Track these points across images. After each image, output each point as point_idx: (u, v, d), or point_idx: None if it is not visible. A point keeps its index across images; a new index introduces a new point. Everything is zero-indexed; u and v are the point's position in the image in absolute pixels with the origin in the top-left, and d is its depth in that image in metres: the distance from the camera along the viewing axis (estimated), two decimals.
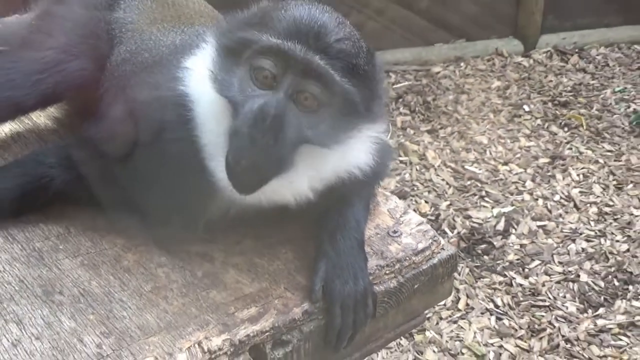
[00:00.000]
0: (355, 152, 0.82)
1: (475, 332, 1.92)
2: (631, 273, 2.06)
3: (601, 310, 1.95)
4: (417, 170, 2.48)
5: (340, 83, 0.76)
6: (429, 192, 2.38)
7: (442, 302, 1.95)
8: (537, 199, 2.35)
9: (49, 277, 0.81)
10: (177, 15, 1.10)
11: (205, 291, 0.81)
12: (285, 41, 0.75)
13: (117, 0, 1.11)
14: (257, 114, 0.74)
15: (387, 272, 0.87)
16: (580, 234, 2.21)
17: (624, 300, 1.97)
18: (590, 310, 1.95)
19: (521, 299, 1.99)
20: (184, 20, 1.09)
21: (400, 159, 2.52)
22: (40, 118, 1.05)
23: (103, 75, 1.03)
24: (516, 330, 1.91)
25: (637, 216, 2.27)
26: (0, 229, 0.86)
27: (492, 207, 2.31)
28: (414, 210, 2.28)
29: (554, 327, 1.91)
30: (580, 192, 2.38)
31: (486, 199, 2.35)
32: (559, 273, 2.08)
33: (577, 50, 3.21)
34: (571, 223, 2.25)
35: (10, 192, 0.89)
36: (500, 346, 1.87)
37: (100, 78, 1.02)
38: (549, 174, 2.47)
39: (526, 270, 2.09)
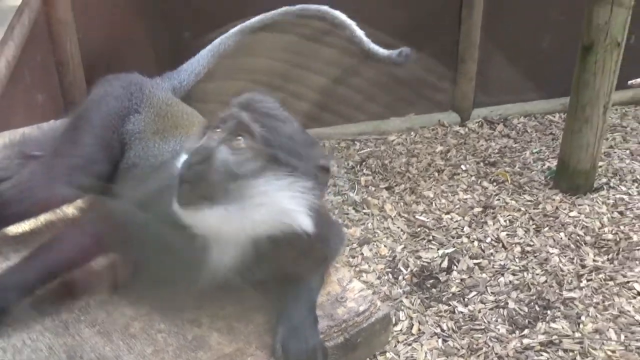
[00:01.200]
0: (285, 204, 0.81)
1: (426, 352, 1.91)
2: (549, 300, 2.05)
3: (526, 331, 1.94)
4: (377, 220, 2.48)
5: (259, 134, 0.80)
6: (387, 237, 2.38)
7: (399, 328, 1.97)
8: (473, 241, 2.35)
9: (72, 344, 0.82)
10: (175, 125, 1.14)
11: (194, 352, 0.83)
12: (230, 108, 0.83)
13: (128, 115, 1.13)
14: (201, 145, 0.81)
15: (336, 330, 0.89)
16: (508, 269, 2.21)
17: (544, 323, 1.97)
18: (517, 332, 1.95)
19: (462, 323, 1.99)
20: (181, 130, 1.12)
21: (364, 211, 2.53)
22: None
23: (116, 176, 1.07)
24: (459, 349, 1.91)
25: (552, 253, 2.27)
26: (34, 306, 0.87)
27: (438, 249, 2.31)
28: (375, 253, 2.31)
29: (489, 346, 1.90)
30: (506, 234, 2.38)
31: (433, 242, 2.35)
32: (492, 301, 2.08)
33: (502, 120, 3.23)
34: (500, 260, 2.25)
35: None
36: None
37: (114, 178, 1.06)
38: (482, 220, 2.47)
39: (466, 299, 2.09)
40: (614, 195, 2.60)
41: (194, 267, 0.86)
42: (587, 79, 2.38)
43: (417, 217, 2.49)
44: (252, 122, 0.80)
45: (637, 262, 2.21)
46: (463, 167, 2.83)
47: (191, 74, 1.43)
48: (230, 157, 0.80)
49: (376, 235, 2.39)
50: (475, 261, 2.25)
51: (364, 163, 2.86)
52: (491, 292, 2.12)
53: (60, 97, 2.34)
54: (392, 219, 2.48)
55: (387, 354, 1.91)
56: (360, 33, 1.52)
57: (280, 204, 0.81)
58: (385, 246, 2.33)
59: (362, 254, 2.29)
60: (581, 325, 1.96)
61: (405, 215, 2.50)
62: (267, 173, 0.80)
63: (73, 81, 2.34)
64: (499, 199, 2.59)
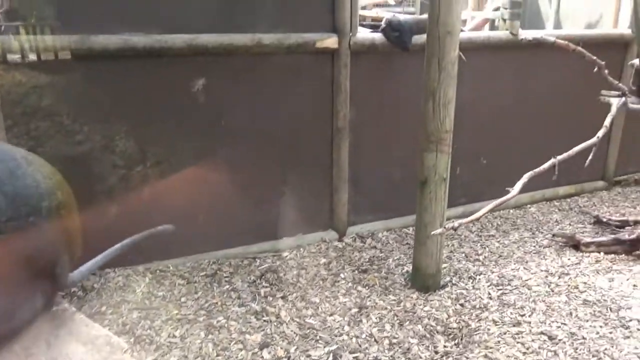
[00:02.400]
0: None
1: None
2: None
3: None
4: (274, 325, 2.43)
5: None
6: (283, 340, 2.33)
7: None
8: (352, 338, 2.35)
9: None
10: None
11: None
12: None
13: None
14: None
15: None
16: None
17: None
18: None
19: None
20: None
21: (264, 319, 2.47)
22: None
23: None
24: None
25: (412, 343, 2.31)
26: None
27: (324, 347, 2.29)
28: (274, 355, 2.25)
29: None
30: (377, 330, 2.40)
31: (320, 341, 2.33)
32: None
33: (370, 235, 3.34)
34: (374, 353, 2.26)
35: None
36: None
37: None
38: (358, 319, 2.49)
39: None
40: (455, 290, 2.73)
41: None
42: (425, 204, 2.58)
43: (306, 320, 2.47)
44: None
45: (476, 345, 2.30)
46: (342, 275, 2.87)
47: None
48: None
49: (274, 339, 2.34)
50: (354, 355, 2.24)
51: (263, 277, 2.83)
52: None
53: None
54: (286, 324, 2.44)
55: None
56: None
57: None
58: (281, 348, 2.28)
59: (262, 357, 2.23)
60: None
61: (297, 320, 2.47)
62: None
63: None
64: (370, 300, 2.64)
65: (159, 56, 2.56)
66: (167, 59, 2.59)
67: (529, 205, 3.89)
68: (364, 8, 6.62)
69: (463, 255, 3.13)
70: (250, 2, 2.70)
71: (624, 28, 4.07)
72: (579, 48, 2.05)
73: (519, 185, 2.00)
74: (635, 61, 2.16)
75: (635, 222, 3.35)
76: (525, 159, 3.74)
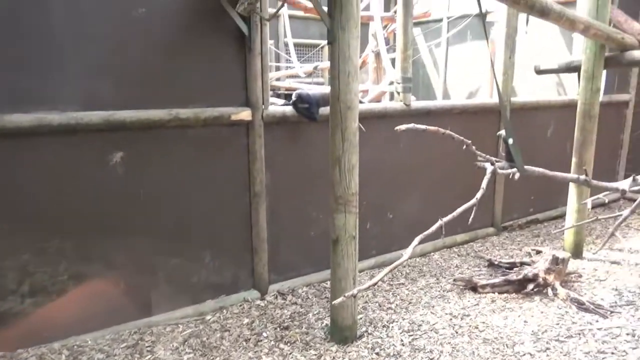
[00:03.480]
0: None
1: None
2: None
3: None
4: None
5: None
6: None
7: None
8: None
9: None
10: None
11: None
12: None
13: None
14: None
15: None
16: None
17: None
18: None
19: None
20: None
21: None
22: None
23: None
24: None
25: None
26: None
27: None
28: None
29: None
30: None
31: None
32: None
33: (291, 291, 3.31)
34: None
35: None
36: None
37: None
38: None
39: None
40: (371, 340, 2.74)
41: None
42: (338, 261, 2.62)
43: None
44: None
45: None
46: (264, 334, 2.80)
47: None
48: None
49: None
50: None
51: (186, 343, 2.69)
52: None
53: None
54: None
55: None
56: None
57: None
58: None
59: None
60: None
61: None
62: None
63: None
64: (292, 357, 2.58)
65: (75, 132, 2.47)
66: (83, 135, 2.50)
67: (432, 253, 4.06)
68: (277, 79, 6.84)
69: (377, 304, 3.17)
70: (168, 79, 2.71)
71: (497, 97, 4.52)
72: (448, 132, 2.30)
73: (410, 248, 2.13)
74: (502, 132, 2.40)
75: (522, 264, 3.59)
76: (424, 212, 3.95)
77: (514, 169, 2.39)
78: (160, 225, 2.82)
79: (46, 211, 2.48)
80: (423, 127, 2.20)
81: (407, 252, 2.14)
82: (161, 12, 2.62)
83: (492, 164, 2.35)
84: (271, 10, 2.88)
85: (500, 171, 2.39)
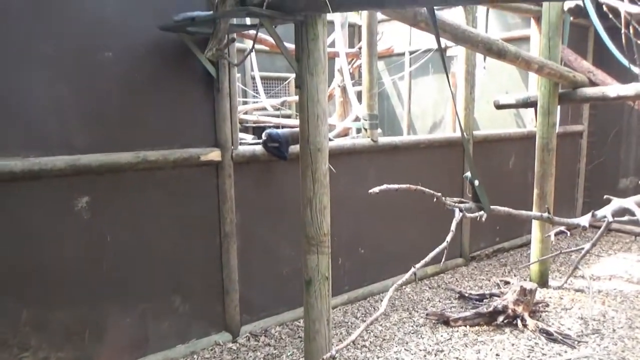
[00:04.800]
0: None
1: None
2: None
3: None
4: None
5: None
6: None
7: None
8: None
9: None
10: None
11: None
12: None
13: None
14: None
15: None
16: None
17: None
18: None
19: None
20: None
21: None
22: None
23: None
24: None
25: None
26: None
27: None
28: None
29: None
30: None
31: None
32: None
33: (264, 332, 3.25)
34: None
35: None
36: None
37: None
38: None
39: None
40: None
41: None
42: (312, 302, 2.60)
43: None
44: None
45: None
46: None
47: None
48: None
49: None
50: None
51: None
52: None
53: None
54: None
55: None
56: None
57: None
58: None
59: None
60: None
61: None
62: None
63: None
64: None
65: (39, 178, 2.41)
66: (46, 180, 2.44)
67: (404, 287, 4.09)
68: (245, 113, 6.87)
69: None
70: (136, 121, 2.68)
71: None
72: (419, 187, 2.43)
73: (385, 300, 2.20)
74: (467, 174, 2.49)
75: (491, 295, 3.66)
76: (394, 245, 4.00)
77: (481, 212, 2.47)
78: (128, 270, 2.75)
79: (6, 260, 2.38)
80: (395, 186, 2.30)
81: (382, 306, 2.22)
82: (128, 55, 2.62)
83: (461, 210, 2.43)
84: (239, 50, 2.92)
85: (468, 215, 2.46)
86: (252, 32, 3.86)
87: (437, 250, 2.24)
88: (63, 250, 2.53)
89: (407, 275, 2.16)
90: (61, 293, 2.54)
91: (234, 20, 2.93)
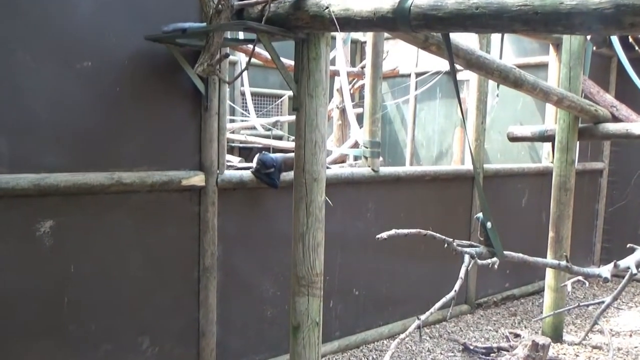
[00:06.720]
0: None
1: None
2: None
3: None
4: None
5: None
6: None
7: None
8: None
9: None
10: None
11: None
12: None
13: None
14: None
15: None
16: None
17: None
18: None
19: None
20: None
21: None
22: None
23: None
24: None
25: None
26: None
27: None
28: None
29: None
30: None
31: None
32: None
33: None
34: None
35: None
36: None
37: None
38: None
39: None
40: None
41: None
42: (299, 351, 2.55)
43: None
44: None
45: None
46: None
47: None
48: None
49: None
50: None
51: None
52: None
53: None
54: None
55: None
56: None
57: None
58: None
59: None
60: None
61: None
62: None
63: None
64: None
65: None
66: (6, 201, 2.39)
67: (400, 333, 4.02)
68: (232, 132, 6.88)
69: None
70: (111, 139, 2.66)
71: (470, 163, 4.71)
72: (430, 232, 2.46)
73: (387, 357, 2.16)
74: (479, 214, 2.49)
75: (499, 349, 3.62)
76: (393, 287, 3.96)
77: (494, 258, 2.46)
78: (91, 305, 2.68)
79: None
80: (405, 231, 2.32)
81: None
82: (109, 66, 2.62)
83: (472, 257, 2.42)
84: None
85: (480, 262, 2.45)
86: (247, 46, 3.89)
87: (444, 299, 2.22)
88: (20, 280, 2.47)
89: (410, 329, 2.12)
90: (15, 329, 2.47)
91: (228, 34, 2.96)
